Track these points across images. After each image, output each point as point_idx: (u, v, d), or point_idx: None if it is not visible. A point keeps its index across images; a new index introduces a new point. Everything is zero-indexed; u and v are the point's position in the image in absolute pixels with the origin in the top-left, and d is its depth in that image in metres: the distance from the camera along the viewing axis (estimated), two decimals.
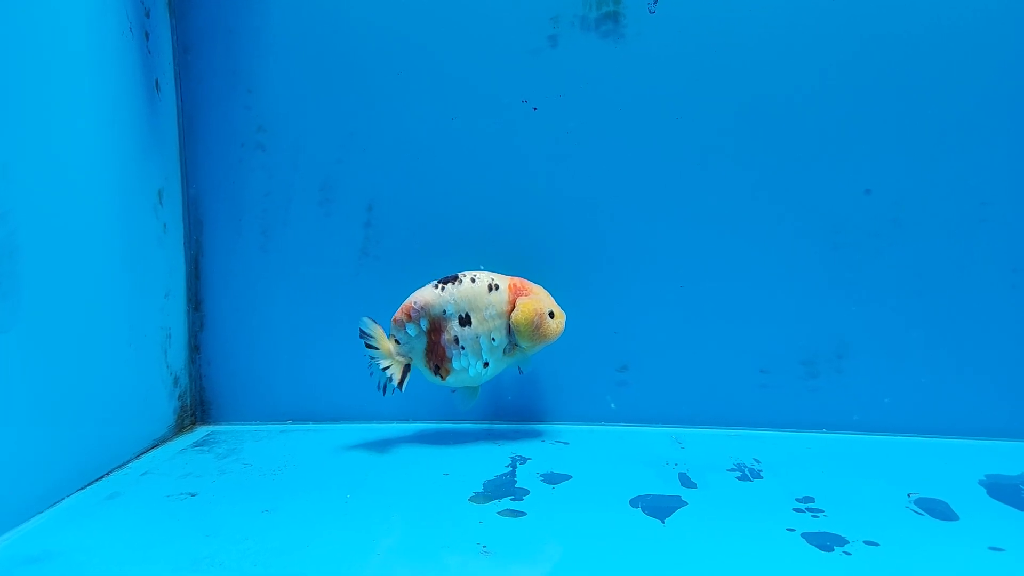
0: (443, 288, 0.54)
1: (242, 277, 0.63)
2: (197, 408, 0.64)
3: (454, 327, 0.53)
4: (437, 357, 0.54)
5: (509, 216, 0.62)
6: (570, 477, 0.50)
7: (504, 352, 0.54)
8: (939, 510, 0.44)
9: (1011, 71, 0.55)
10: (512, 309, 0.53)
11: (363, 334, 0.54)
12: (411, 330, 0.54)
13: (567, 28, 0.60)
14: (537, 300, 0.54)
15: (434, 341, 0.54)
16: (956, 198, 0.57)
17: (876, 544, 0.39)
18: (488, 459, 0.53)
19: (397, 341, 0.55)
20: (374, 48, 0.62)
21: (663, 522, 0.42)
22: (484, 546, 0.39)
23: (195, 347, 0.63)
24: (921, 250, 0.57)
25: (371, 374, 0.55)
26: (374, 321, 0.55)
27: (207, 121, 0.62)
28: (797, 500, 0.45)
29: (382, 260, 0.63)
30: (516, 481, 0.49)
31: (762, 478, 0.49)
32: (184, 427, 0.61)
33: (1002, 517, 0.42)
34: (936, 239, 0.57)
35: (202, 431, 0.62)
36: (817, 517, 0.43)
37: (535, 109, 0.61)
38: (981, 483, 0.48)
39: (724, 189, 0.59)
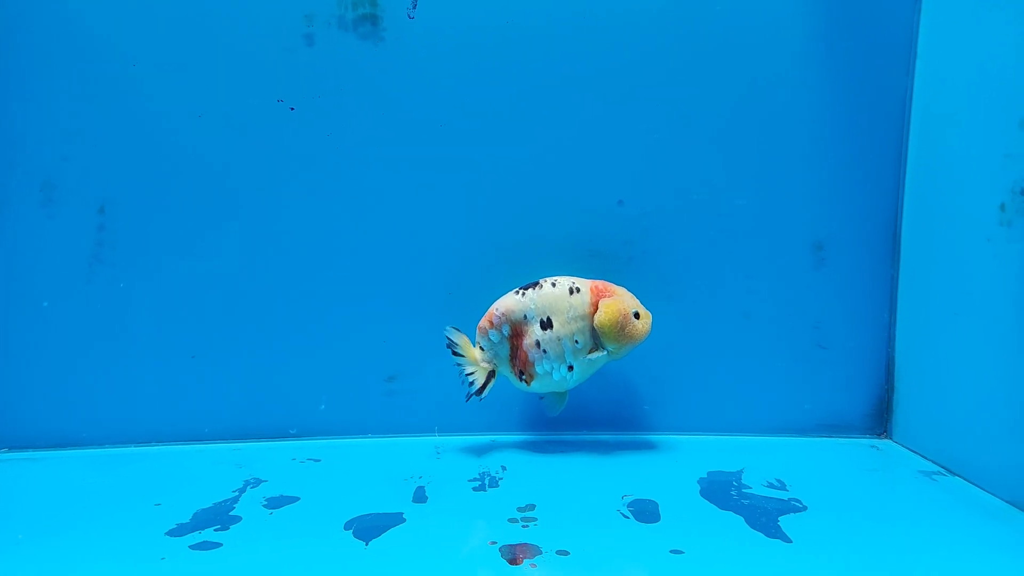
0: (523, 294, 0.54)
1: None
2: None
3: (535, 331, 0.53)
4: (521, 362, 0.54)
5: (265, 220, 0.58)
6: (297, 499, 0.47)
7: (589, 355, 0.53)
8: (648, 511, 0.45)
9: (751, 91, 0.58)
10: (595, 311, 0.52)
11: (449, 342, 0.55)
12: (494, 336, 0.54)
13: (323, 27, 0.58)
14: (621, 301, 0.53)
15: (516, 346, 0.53)
16: (697, 209, 0.59)
17: (567, 553, 0.39)
18: (218, 483, 0.50)
19: (482, 348, 0.55)
20: (105, 36, 0.56)
21: (367, 544, 0.40)
22: None
23: None
24: (667, 257, 0.60)
25: (461, 383, 0.55)
26: (458, 329, 0.55)
27: None
28: (518, 509, 0.45)
29: (119, 267, 0.57)
30: (235, 508, 0.45)
31: (498, 487, 0.49)
32: None
33: (700, 517, 0.44)
34: (680, 247, 0.60)
35: None
36: (527, 527, 0.43)
37: (292, 109, 0.58)
38: (700, 480, 0.50)
39: (485, 198, 0.59)
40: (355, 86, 0.58)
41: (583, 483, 0.50)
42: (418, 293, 0.60)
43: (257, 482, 0.50)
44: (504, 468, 0.53)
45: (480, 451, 0.57)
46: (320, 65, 0.58)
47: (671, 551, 0.40)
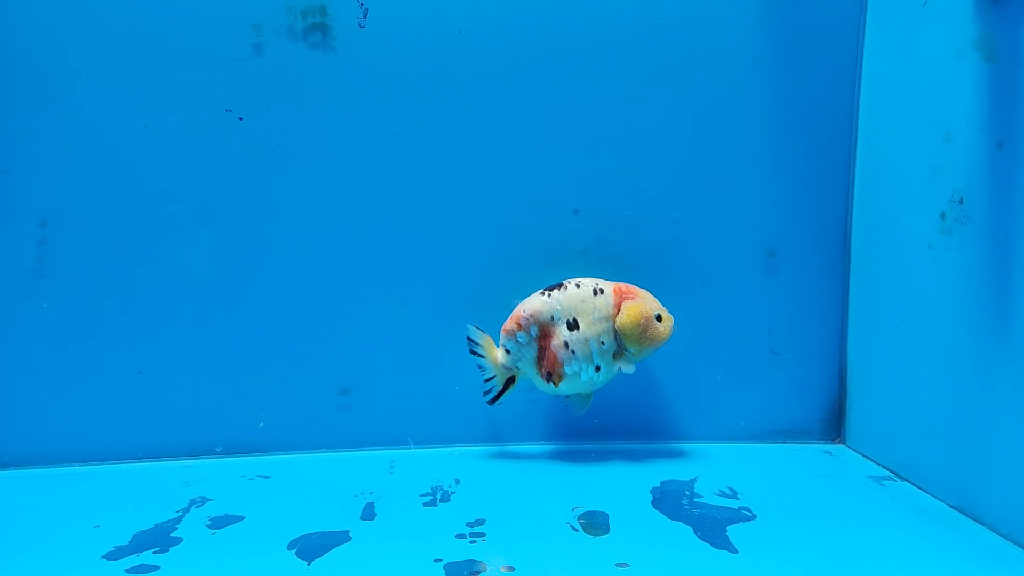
0: (549, 295, 0.54)
1: None
2: None
3: (563, 332, 0.53)
4: (549, 364, 0.53)
5: (212, 232, 0.57)
6: (242, 519, 0.46)
7: (613, 357, 0.53)
8: (598, 523, 0.45)
9: (705, 104, 0.59)
10: (618, 312, 0.52)
11: (470, 342, 0.55)
12: (521, 338, 0.54)
13: (272, 37, 0.57)
14: (643, 303, 0.53)
15: (544, 347, 0.53)
16: (652, 218, 0.59)
17: (512, 569, 0.39)
18: (163, 502, 0.48)
19: (507, 351, 0.54)
20: (47, 46, 0.55)
21: (309, 564, 0.40)
22: None
23: None
24: (623, 265, 0.59)
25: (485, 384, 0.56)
26: (482, 330, 0.55)
27: None
28: (467, 524, 0.45)
29: (62, 281, 0.56)
30: (177, 528, 0.44)
31: (449, 501, 0.48)
32: None
33: (650, 529, 0.44)
34: (634, 256, 0.59)
35: None
36: (475, 543, 0.42)
37: (241, 119, 0.57)
38: (653, 490, 0.50)
39: (441, 209, 0.59)
40: (305, 96, 0.57)
41: (535, 495, 0.49)
42: (372, 305, 0.59)
43: (203, 501, 0.49)
44: (458, 482, 0.52)
45: (436, 464, 0.56)
46: (270, 75, 0.57)
47: (617, 564, 0.39)
